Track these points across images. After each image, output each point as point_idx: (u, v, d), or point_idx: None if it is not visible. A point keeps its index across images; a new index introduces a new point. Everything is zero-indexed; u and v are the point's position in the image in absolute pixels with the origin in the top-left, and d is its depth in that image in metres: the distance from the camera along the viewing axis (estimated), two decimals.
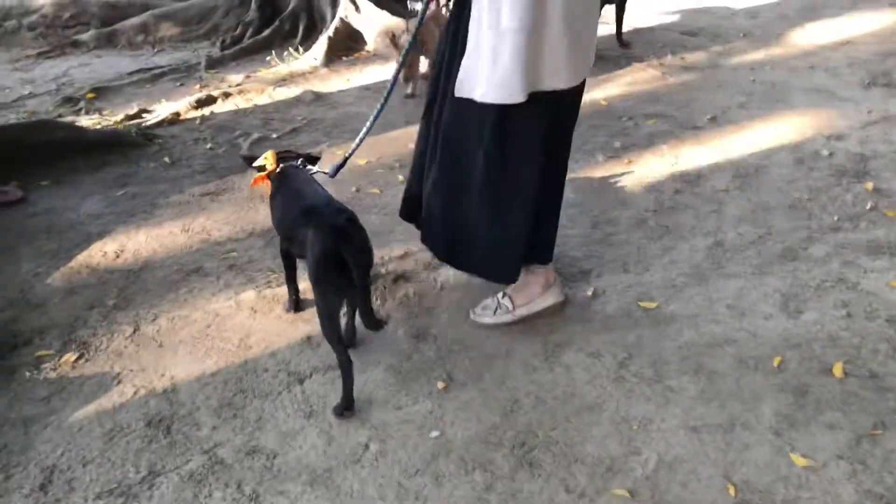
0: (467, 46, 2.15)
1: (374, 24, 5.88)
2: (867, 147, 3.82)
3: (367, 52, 5.83)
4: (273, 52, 5.84)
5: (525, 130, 2.22)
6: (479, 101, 2.13)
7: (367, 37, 5.94)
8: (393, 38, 4.97)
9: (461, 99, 2.20)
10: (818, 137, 3.97)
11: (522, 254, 2.46)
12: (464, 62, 2.16)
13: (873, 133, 3.96)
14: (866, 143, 3.87)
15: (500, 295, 2.61)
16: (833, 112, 4.27)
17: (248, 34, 6.14)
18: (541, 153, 2.28)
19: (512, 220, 2.36)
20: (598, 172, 3.70)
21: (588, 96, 3.20)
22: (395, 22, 5.82)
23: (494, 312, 2.59)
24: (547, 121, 2.24)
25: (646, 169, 3.71)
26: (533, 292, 2.58)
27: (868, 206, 3.27)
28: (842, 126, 4.07)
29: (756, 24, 6.23)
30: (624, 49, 5.49)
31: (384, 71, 5.33)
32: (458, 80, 2.18)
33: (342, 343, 2.20)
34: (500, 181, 2.29)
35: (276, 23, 6.18)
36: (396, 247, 3.09)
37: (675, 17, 6.54)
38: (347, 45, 5.87)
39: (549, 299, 2.60)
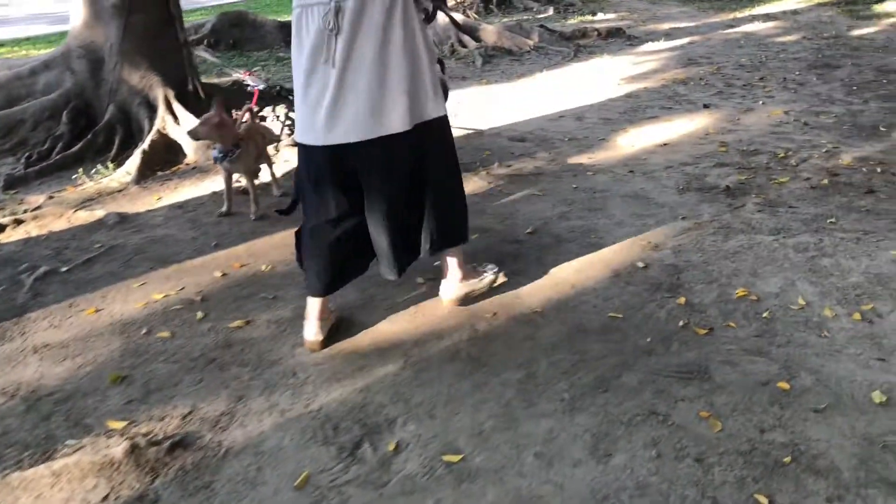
0: None
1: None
2: (680, 257, 3.83)
3: (186, 164, 5.52)
4: (83, 168, 5.43)
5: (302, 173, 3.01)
6: None
7: (186, 148, 5.65)
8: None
9: None
10: (634, 248, 3.95)
11: None
12: None
13: (686, 242, 3.99)
14: (679, 252, 3.89)
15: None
16: (649, 220, 4.30)
17: (58, 148, 5.72)
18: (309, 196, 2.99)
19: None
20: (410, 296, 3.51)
21: None
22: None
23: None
24: (304, 168, 2.95)
25: None
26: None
27: (680, 324, 3.21)
28: (657, 235, 4.09)
29: (581, 127, 6.36)
30: None
31: (200, 187, 5.04)
32: None
33: None
34: None
35: (90, 136, 5.78)
36: (181, 404, 2.76)
37: (505, 121, 6.59)
38: (165, 157, 5.56)
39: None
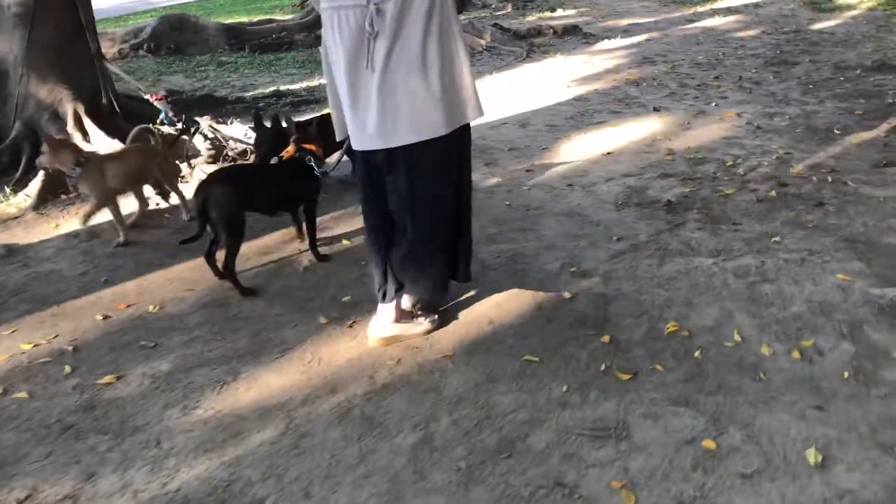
0: None
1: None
2: (611, 285, 3.51)
3: None
4: None
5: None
6: None
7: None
8: None
9: None
10: (562, 275, 3.62)
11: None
12: None
13: (618, 267, 3.67)
14: (610, 279, 3.56)
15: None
16: (582, 241, 3.97)
17: None
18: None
19: None
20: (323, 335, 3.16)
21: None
22: None
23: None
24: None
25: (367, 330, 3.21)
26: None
27: (602, 368, 2.89)
28: (588, 259, 3.77)
29: (524, 135, 6.03)
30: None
31: (103, 212, 4.62)
32: None
33: None
34: None
35: None
36: (20, 485, 2.38)
37: None
38: None
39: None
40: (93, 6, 5.80)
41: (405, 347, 3.12)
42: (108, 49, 10.19)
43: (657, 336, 3.11)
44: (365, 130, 2.65)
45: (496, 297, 3.47)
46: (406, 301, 3.15)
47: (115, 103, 5.74)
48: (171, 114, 5.03)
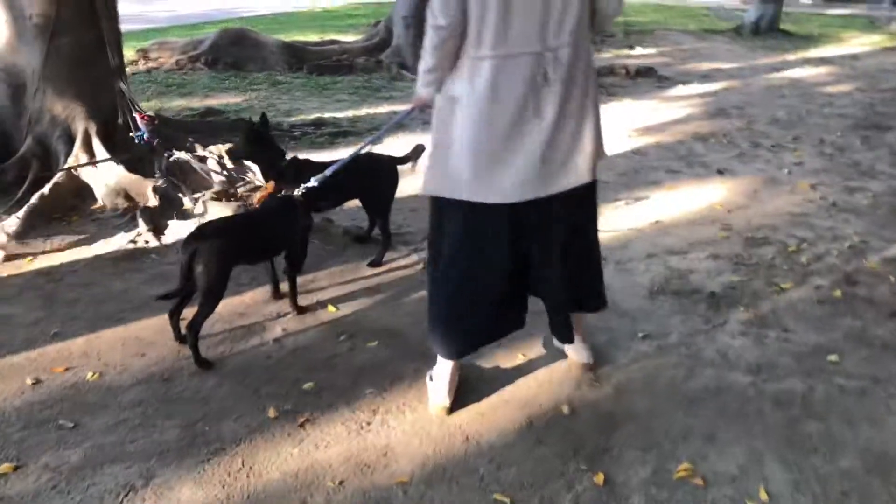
0: None
1: (107, 177, 4.85)
2: (621, 401, 2.95)
3: (91, 210, 4.76)
4: None
5: (447, 229, 2.71)
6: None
7: (97, 192, 4.89)
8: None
9: None
10: (567, 380, 3.08)
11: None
12: None
13: (636, 376, 3.11)
14: (623, 392, 3.00)
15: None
16: (600, 336, 3.42)
17: None
18: (460, 253, 2.69)
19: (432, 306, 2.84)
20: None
21: None
22: (132, 179, 4.82)
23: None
24: (462, 225, 2.65)
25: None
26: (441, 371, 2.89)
27: None
28: (602, 361, 3.24)
29: None
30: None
31: (89, 245, 4.27)
32: None
33: None
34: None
35: None
36: None
37: None
38: (70, 203, 4.83)
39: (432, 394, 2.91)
40: (119, 20, 5.46)
41: (357, 463, 2.61)
42: (167, 59, 10.05)
43: (663, 481, 2.51)
44: (523, 178, 2.55)
45: (481, 405, 2.92)
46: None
47: (132, 124, 5.38)
48: (146, 136, 4.65)
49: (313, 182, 3.31)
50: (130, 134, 4.99)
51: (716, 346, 3.34)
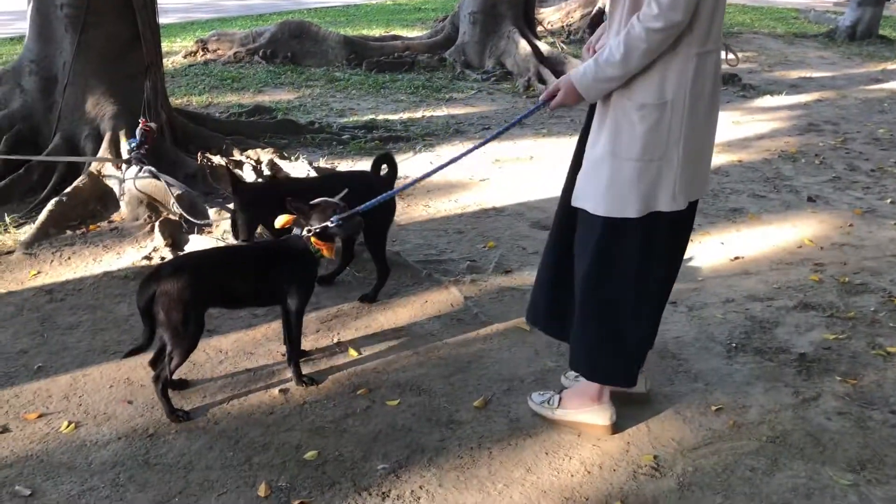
0: (584, 163, 2.44)
1: (130, 183, 4.47)
2: (688, 498, 2.34)
3: (111, 221, 4.39)
4: (6, 211, 4.41)
5: (627, 253, 2.42)
6: (591, 212, 2.39)
7: (120, 201, 4.51)
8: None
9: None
10: (622, 464, 2.53)
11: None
12: (580, 177, 2.45)
13: (705, 464, 2.56)
14: (688, 488, 2.41)
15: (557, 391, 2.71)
16: (663, 406, 2.84)
17: None
18: (640, 273, 2.45)
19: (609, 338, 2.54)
20: None
21: None
22: (156, 186, 4.42)
23: (541, 404, 2.74)
24: (654, 240, 2.41)
25: None
26: (582, 402, 2.64)
27: None
28: (664, 440, 2.67)
29: None
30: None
31: (99, 261, 3.94)
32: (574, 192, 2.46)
33: None
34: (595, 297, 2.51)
35: (22, 171, 4.75)
36: None
37: (535, 195, 5.13)
38: (90, 210, 4.49)
39: (592, 417, 2.64)
40: (157, 12, 5.09)
41: None
42: (226, 51, 9.77)
43: None
44: (704, 179, 2.49)
45: (514, 497, 2.37)
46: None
47: (165, 125, 4.99)
48: (134, 144, 4.25)
49: (333, 221, 2.79)
50: (123, 141, 4.58)
51: (807, 429, 2.75)
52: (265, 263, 2.86)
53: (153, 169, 4.28)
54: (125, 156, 4.52)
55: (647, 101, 2.26)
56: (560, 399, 2.72)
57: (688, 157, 2.33)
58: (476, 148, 2.89)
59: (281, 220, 2.89)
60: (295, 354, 2.94)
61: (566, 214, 2.57)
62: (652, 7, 2.11)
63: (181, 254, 3.14)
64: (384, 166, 3.67)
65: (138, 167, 4.28)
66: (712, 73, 2.29)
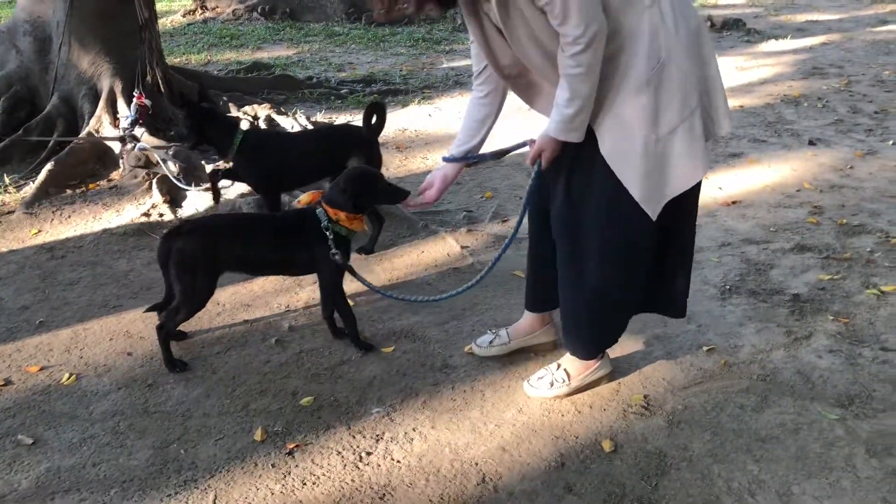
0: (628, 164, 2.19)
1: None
2: (676, 437, 2.45)
3: (111, 180, 4.42)
4: (5, 171, 4.44)
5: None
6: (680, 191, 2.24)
7: (121, 160, 4.53)
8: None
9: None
10: (612, 405, 2.56)
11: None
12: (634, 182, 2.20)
13: (696, 402, 2.60)
14: (678, 424, 2.51)
15: (553, 366, 2.61)
16: (657, 348, 2.90)
17: None
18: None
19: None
20: None
21: None
22: (154, 143, 4.44)
23: (551, 385, 2.59)
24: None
25: None
26: (586, 366, 2.59)
27: None
28: (656, 381, 2.73)
29: None
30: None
31: (99, 218, 3.97)
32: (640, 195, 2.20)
33: None
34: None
35: (21, 131, 4.76)
36: None
37: None
38: (89, 169, 4.50)
39: (597, 373, 2.62)
40: None
41: None
42: (224, 9, 9.68)
43: None
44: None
45: (504, 435, 2.43)
46: None
47: (162, 81, 4.99)
48: (129, 119, 4.24)
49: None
50: (118, 116, 4.57)
51: (797, 367, 2.77)
52: (285, 235, 2.80)
53: (146, 146, 4.28)
54: (122, 122, 4.50)
55: (646, 72, 2.12)
56: (566, 370, 2.62)
57: (714, 77, 2.24)
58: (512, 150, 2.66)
59: (304, 199, 2.86)
60: (350, 330, 2.90)
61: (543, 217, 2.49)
62: (567, 36, 2.01)
63: (209, 215, 3.16)
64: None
65: (132, 144, 4.28)
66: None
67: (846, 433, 2.43)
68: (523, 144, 2.45)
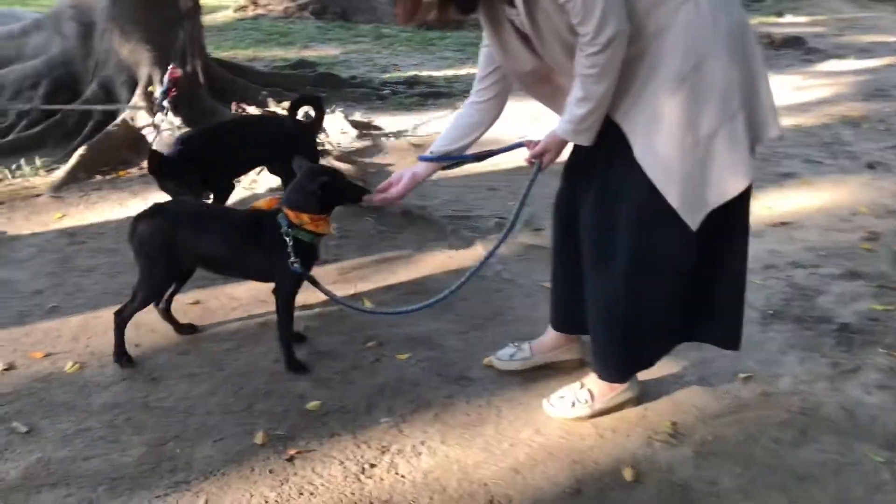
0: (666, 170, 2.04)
1: (162, 129, 4.44)
2: (705, 466, 2.29)
3: (142, 167, 4.37)
4: (39, 155, 4.43)
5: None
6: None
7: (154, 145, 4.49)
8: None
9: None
10: (640, 426, 2.40)
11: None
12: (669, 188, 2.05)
13: (727, 433, 2.42)
14: (706, 457, 2.31)
15: (577, 385, 2.44)
16: (689, 374, 2.68)
17: (22, 126, 4.71)
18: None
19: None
20: None
21: None
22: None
23: (572, 405, 2.42)
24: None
25: None
26: (611, 388, 2.41)
27: None
28: (686, 408, 2.55)
29: None
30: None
31: (125, 205, 3.91)
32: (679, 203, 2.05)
33: None
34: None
35: (58, 115, 4.75)
36: None
37: None
38: (121, 156, 4.46)
39: (623, 396, 2.45)
40: None
41: None
42: (276, 6, 9.71)
43: None
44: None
45: (518, 456, 2.27)
46: None
47: (201, 72, 4.94)
48: (162, 91, 4.16)
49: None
50: (150, 88, 4.51)
51: (842, 402, 2.56)
52: (245, 234, 2.64)
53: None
54: (155, 92, 4.45)
55: (682, 69, 2.00)
56: (590, 391, 2.45)
57: (759, 76, 2.10)
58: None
59: (261, 204, 2.72)
60: (282, 337, 2.69)
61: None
62: (585, 35, 1.93)
63: (178, 200, 3.04)
64: (307, 109, 3.45)
65: (164, 113, 4.22)
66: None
67: (893, 478, 2.22)
68: (517, 146, 2.36)
